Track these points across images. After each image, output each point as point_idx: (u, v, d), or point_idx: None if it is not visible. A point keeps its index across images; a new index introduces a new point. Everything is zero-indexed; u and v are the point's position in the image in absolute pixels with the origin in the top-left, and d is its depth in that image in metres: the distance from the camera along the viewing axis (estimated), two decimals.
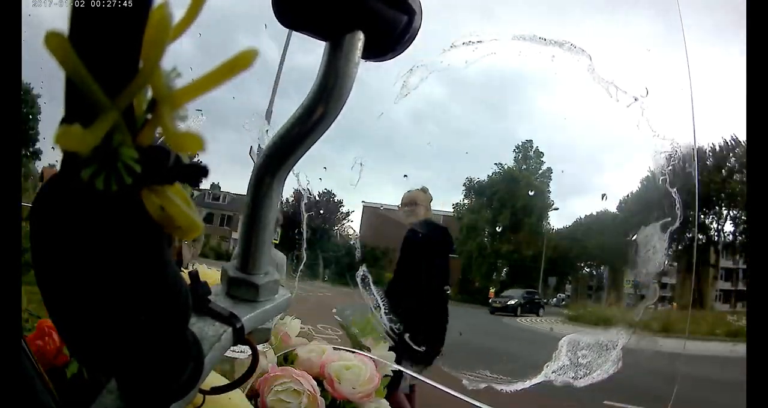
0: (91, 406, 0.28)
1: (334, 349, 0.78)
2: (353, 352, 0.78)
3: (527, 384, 0.97)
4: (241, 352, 0.63)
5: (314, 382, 0.68)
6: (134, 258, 0.21)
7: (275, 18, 0.30)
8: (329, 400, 0.71)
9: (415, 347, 2.31)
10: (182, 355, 0.28)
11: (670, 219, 0.96)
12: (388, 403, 0.76)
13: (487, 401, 0.68)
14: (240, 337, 0.33)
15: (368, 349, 0.85)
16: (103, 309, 0.22)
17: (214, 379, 0.39)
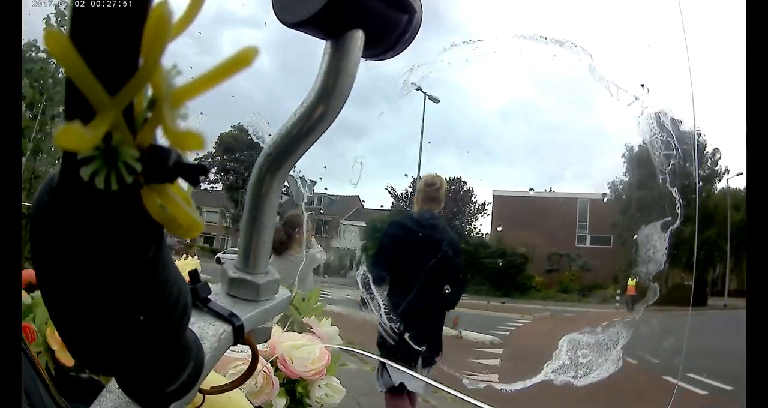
0: (91, 406, 0.28)
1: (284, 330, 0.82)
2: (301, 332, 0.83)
3: (527, 383, 0.97)
4: (240, 351, 0.63)
5: (267, 363, 0.71)
6: (134, 257, 0.21)
7: (275, 16, 0.30)
8: (283, 379, 0.74)
9: (416, 347, 2.30)
10: (182, 354, 0.28)
11: None
12: (338, 380, 0.80)
13: None
14: (240, 336, 0.33)
15: (310, 327, 0.88)
16: (102, 309, 0.22)
17: (214, 378, 0.39)
